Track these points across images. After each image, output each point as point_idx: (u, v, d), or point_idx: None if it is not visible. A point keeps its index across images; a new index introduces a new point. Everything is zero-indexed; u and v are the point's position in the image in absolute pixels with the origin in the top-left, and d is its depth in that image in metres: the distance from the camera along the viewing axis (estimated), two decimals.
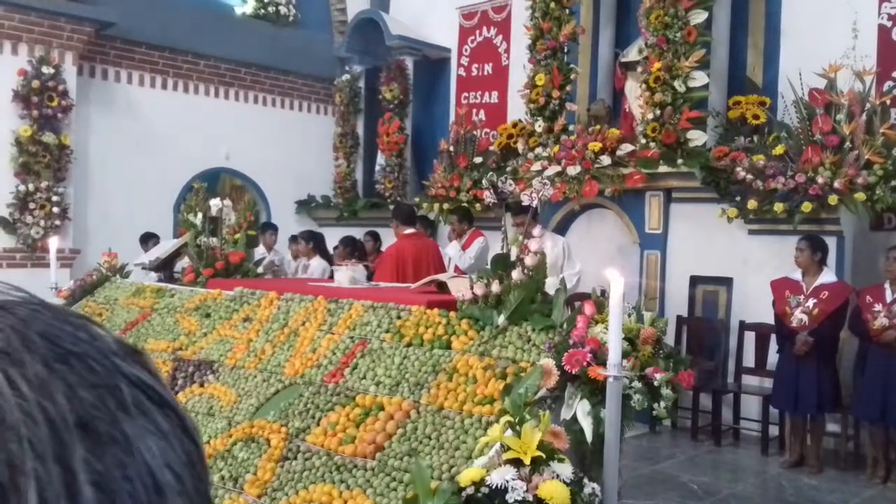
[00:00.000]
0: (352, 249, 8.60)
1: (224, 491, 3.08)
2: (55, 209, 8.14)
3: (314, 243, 8.36)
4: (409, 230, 6.63)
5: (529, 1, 7.99)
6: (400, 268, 6.25)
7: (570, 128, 7.70)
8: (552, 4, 7.73)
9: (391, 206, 8.67)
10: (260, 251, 9.27)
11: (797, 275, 5.93)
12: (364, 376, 3.34)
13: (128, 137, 9.04)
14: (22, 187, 8.02)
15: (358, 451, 2.93)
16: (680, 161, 6.79)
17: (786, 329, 5.89)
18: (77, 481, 0.33)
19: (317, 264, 8.11)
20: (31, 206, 8.05)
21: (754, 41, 7.41)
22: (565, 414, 2.72)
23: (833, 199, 6.09)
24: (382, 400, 3.15)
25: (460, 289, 3.51)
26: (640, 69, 7.27)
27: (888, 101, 6.31)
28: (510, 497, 2.33)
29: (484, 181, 8.40)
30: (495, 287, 3.33)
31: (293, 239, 9.73)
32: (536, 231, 3.54)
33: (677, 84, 6.82)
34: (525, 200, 3.55)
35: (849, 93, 6.28)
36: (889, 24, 6.72)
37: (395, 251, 6.44)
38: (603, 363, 2.62)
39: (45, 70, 8.09)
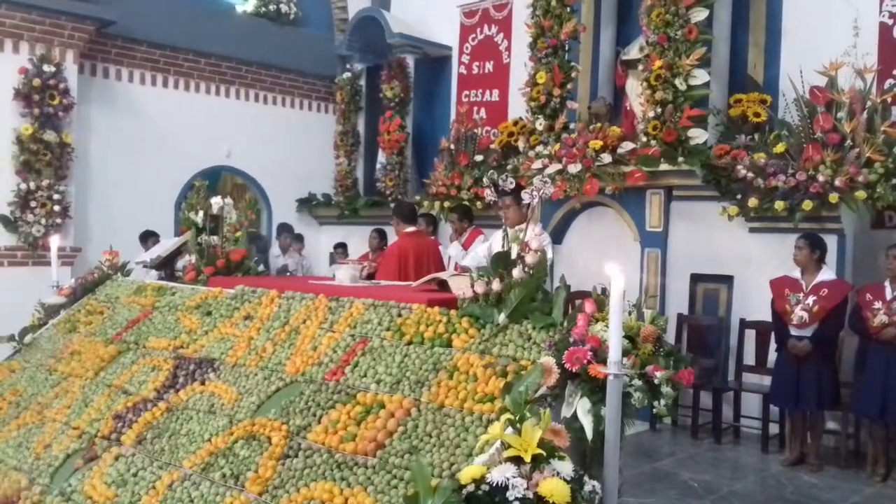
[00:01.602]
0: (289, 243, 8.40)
1: (225, 489, 3.08)
2: (56, 207, 8.15)
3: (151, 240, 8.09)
4: (411, 228, 6.65)
5: None
6: (402, 266, 6.26)
7: (571, 126, 7.70)
8: (553, 2, 7.73)
9: (392, 205, 8.67)
10: (274, 253, 9.24)
11: (796, 273, 5.94)
12: (365, 374, 3.34)
13: (129, 136, 9.05)
14: (23, 185, 8.03)
15: (359, 448, 2.94)
16: (681, 159, 6.79)
17: (784, 327, 5.89)
18: None
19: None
20: (33, 204, 8.06)
21: (755, 39, 7.41)
22: (566, 412, 2.73)
23: (834, 198, 6.09)
24: (383, 398, 3.15)
25: (461, 286, 3.51)
26: (641, 67, 7.27)
27: (889, 99, 6.31)
28: (511, 495, 2.33)
29: (485, 179, 8.40)
30: (496, 285, 3.33)
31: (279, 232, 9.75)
32: (537, 230, 3.54)
33: (678, 82, 6.82)
34: (525, 198, 3.55)
35: (850, 90, 6.27)
36: (890, 21, 6.71)
37: (397, 249, 6.46)
38: (603, 361, 2.63)
39: (47, 68, 8.09)
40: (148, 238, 8.10)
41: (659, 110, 6.89)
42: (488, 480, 2.39)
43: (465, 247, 7.18)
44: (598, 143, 7.10)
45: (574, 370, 2.69)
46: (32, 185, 8.04)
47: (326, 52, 10.78)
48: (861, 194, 6.05)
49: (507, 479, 2.36)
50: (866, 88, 6.32)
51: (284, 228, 9.59)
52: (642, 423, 6.71)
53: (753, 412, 6.59)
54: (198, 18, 9.63)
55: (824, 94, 6.35)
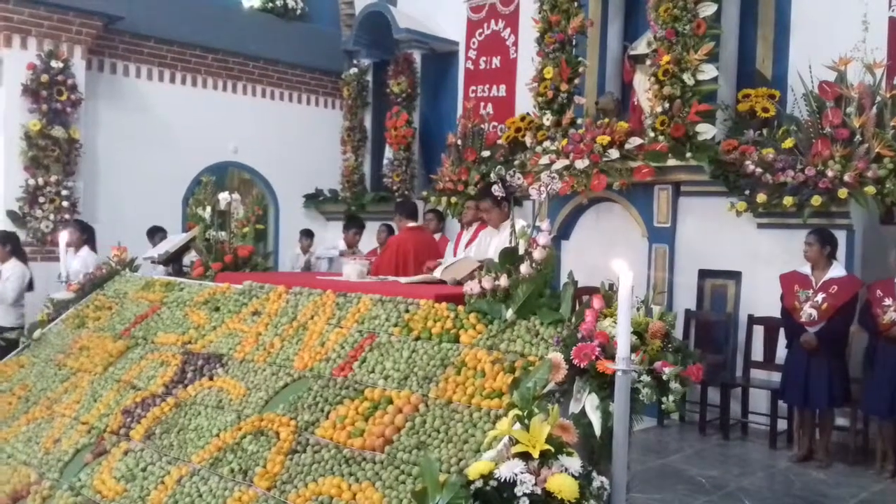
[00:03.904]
0: (80, 236, 7.81)
1: (234, 484, 3.09)
2: (64, 203, 8.18)
3: (10, 245, 6.92)
4: (412, 224, 6.72)
5: None
6: (400, 259, 6.32)
7: (579, 121, 7.68)
8: None
9: (398, 201, 8.66)
10: (340, 246, 9.13)
11: (806, 269, 5.91)
12: (373, 370, 3.35)
13: (136, 131, 9.07)
14: (31, 181, 8.07)
15: (367, 444, 2.94)
16: (689, 154, 6.76)
17: (794, 323, 5.87)
18: None
19: (12, 268, 6.79)
20: (41, 199, 8.09)
21: (764, 34, 7.37)
22: (574, 408, 2.72)
23: (843, 193, 6.06)
24: (391, 393, 3.16)
25: (453, 274, 3.52)
26: (648, 62, 7.24)
27: None
28: (519, 490, 2.34)
29: (492, 175, 8.36)
30: (503, 281, 3.33)
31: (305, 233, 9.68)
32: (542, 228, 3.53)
33: (686, 77, 6.79)
34: (533, 194, 3.54)
35: (859, 86, 6.24)
36: None
37: (397, 243, 6.55)
38: (611, 357, 2.62)
39: (54, 64, 8.12)
40: (155, 233, 8.11)
41: (667, 105, 6.86)
42: (496, 476, 2.39)
43: (472, 240, 7.17)
44: (605, 139, 7.08)
45: (582, 366, 2.69)
46: (41, 180, 8.08)
47: (333, 47, 10.78)
48: (870, 189, 6.02)
49: (516, 475, 2.36)
50: (876, 83, 6.28)
51: (353, 221, 9.19)
52: (650, 419, 6.71)
53: (761, 408, 6.57)
54: (205, 14, 9.64)
55: (833, 89, 6.32)
